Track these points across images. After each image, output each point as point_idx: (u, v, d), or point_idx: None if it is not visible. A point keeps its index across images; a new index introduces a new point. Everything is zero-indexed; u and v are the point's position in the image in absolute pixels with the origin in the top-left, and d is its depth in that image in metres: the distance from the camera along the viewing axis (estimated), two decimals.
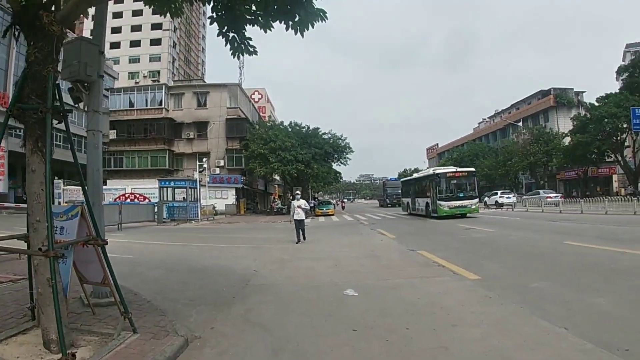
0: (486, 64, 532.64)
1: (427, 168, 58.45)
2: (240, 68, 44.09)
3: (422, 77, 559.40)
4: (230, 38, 5.16)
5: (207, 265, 8.87)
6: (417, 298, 5.47)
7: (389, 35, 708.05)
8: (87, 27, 67.85)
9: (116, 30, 66.84)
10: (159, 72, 61.67)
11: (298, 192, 15.42)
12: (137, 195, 27.54)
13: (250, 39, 5.22)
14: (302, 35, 4.87)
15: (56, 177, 37.63)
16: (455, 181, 23.35)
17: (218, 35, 5.16)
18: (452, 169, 25.49)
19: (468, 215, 22.67)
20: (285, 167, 35.33)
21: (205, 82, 50.88)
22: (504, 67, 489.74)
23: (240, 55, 5.30)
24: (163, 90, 41.31)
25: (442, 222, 20.12)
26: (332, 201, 50.82)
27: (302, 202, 13.37)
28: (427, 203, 24.79)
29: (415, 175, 34.34)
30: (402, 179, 39.60)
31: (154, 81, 51.82)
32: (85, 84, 5.23)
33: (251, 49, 5.24)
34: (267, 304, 5.46)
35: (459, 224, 17.99)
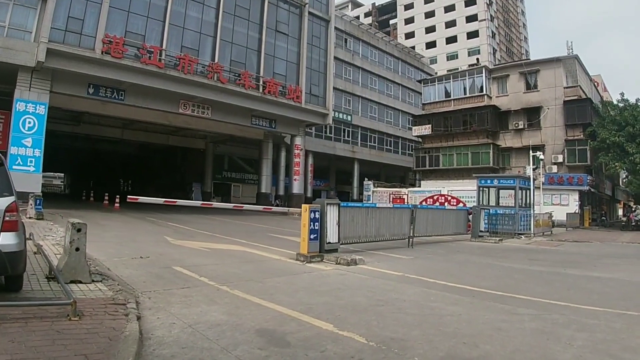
0: None
1: None
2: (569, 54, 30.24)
3: None
4: None
5: None
6: None
7: None
8: None
9: (430, 29, 64.11)
10: (478, 59, 53.73)
11: None
12: (448, 198, 21.14)
13: None
14: None
15: (366, 179, 36.02)
16: None
17: None
18: None
19: None
20: None
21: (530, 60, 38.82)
22: None
23: None
24: (483, 74, 33.37)
25: None
26: None
27: None
28: None
29: None
30: None
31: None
32: None
33: None
34: None
35: None
